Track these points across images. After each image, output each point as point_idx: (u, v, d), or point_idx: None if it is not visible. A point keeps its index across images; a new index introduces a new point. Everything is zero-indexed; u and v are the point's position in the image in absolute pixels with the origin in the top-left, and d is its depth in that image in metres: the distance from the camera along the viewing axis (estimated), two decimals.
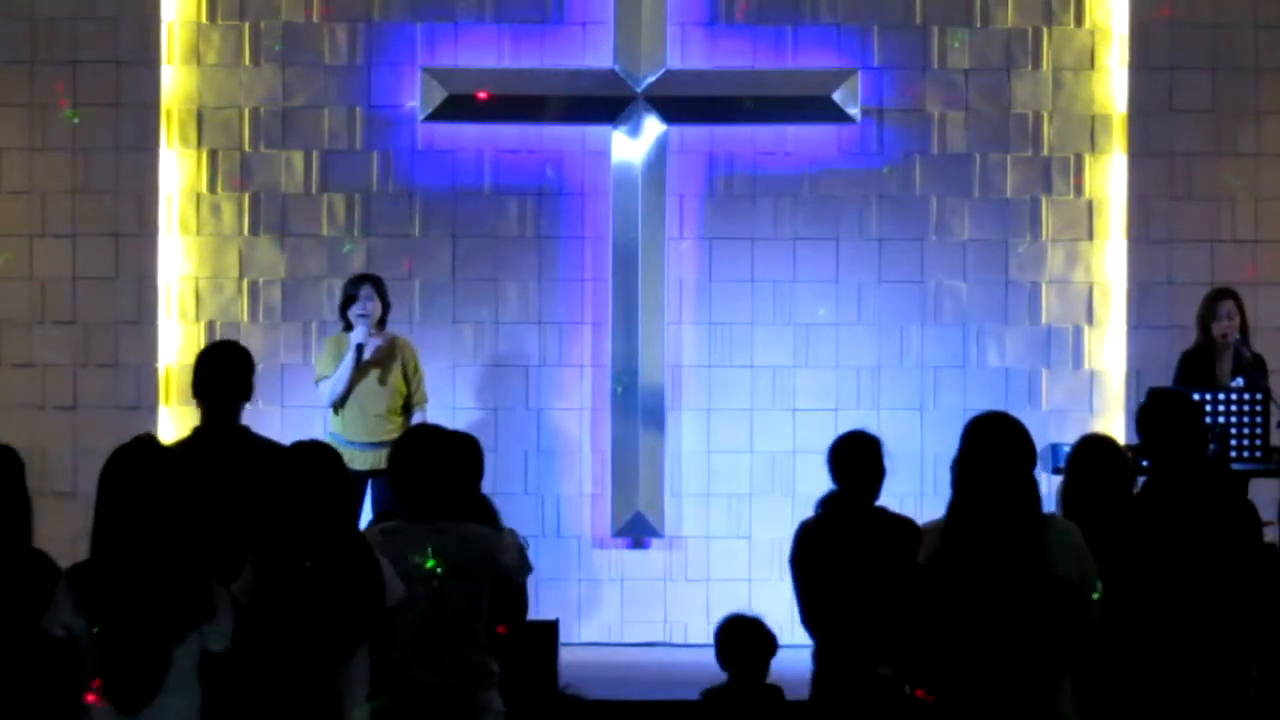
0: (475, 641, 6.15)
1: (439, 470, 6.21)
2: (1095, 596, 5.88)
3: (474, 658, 6.15)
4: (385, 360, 10.26)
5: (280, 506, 5.75)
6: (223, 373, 7.08)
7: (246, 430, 7.12)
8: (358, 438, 10.07)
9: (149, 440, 5.80)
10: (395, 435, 10.05)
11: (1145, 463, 6.51)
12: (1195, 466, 6.30)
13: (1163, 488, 6.30)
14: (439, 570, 6.04)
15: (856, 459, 7.31)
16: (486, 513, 6.88)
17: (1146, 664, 6.17)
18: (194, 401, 7.22)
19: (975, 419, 5.75)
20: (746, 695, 7.19)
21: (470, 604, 6.13)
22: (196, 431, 7.11)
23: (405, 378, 10.31)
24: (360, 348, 10.13)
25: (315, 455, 5.86)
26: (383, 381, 10.25)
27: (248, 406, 7.23)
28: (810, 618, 7.24)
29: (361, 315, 10.18)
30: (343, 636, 5.68)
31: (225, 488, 6.57)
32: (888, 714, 6.84)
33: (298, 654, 5.66)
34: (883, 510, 7.33)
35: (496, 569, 6.20)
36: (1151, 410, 6.48)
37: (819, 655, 7.24)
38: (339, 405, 10.18)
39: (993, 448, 5.63)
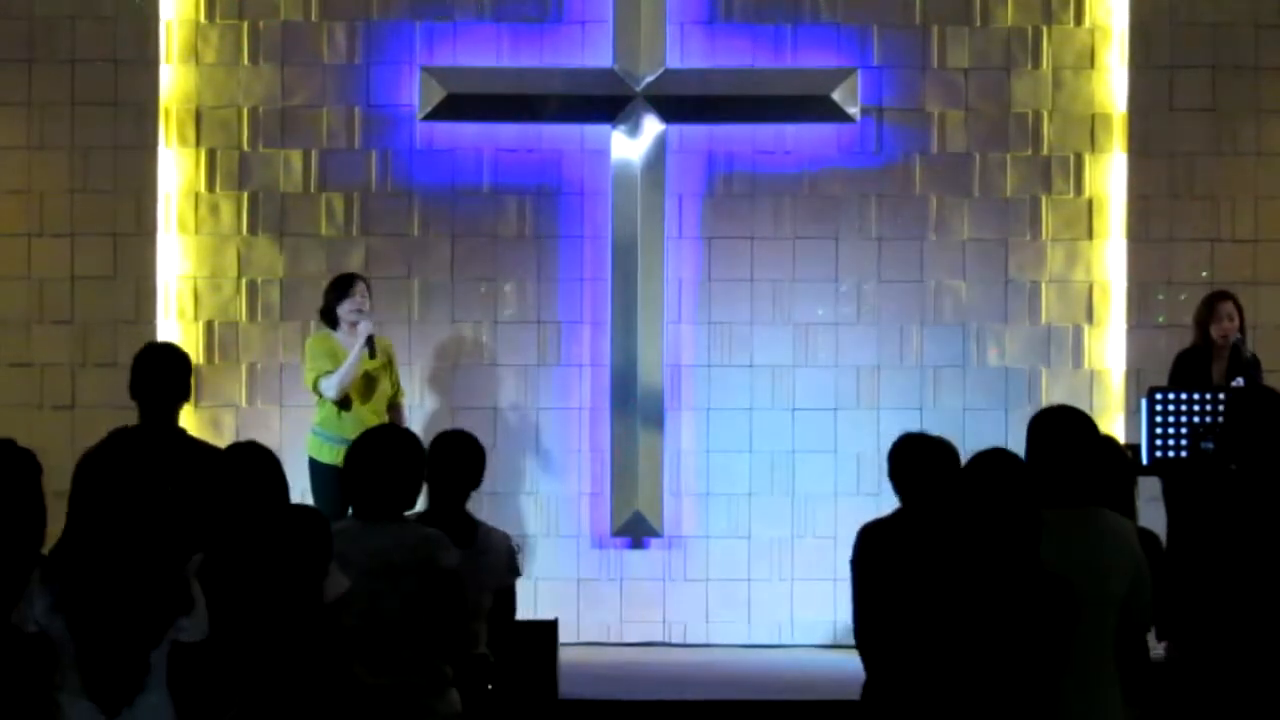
0: (415, 642, 6.12)
1: (385, 470, 6.21)
2: (1146, 597, 5.88)
3: (412, 657, 6.11)
4: (381, 358, 10.32)
5: (218, 507, 5.83)
6: (159, 374, 7.06)
7: (183, 432, 7.11)
8: (350, 435, 9.99)
9: (123, 435, 5.82)
10: None
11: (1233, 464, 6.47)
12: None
13: (1252, 486, 6.28)
14: None
15: (921, 463, 7.07)
16: (465, 525, 6.82)
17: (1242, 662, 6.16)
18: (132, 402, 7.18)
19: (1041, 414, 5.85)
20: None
21: (404, 604, 6.10)
22: (133, 429, 7.07)
23: (390, 375, 10.37)
24: (371, 338, 10.15)
25: (251, 456, 5.95)
26: (378, 380, 10.29)
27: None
28: (866, 623, 6.95)
29: (360, 310, 10.23)
30: (280, 628, 5.71)
31: (161, 488, 6.57)
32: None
33: (238, 644, 5.69)
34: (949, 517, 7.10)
35: (434, 569, 6.15)
36: (1239, 408, 6.44)
37: (872, 661, 6.99)
38: (341, 402, 10.18)
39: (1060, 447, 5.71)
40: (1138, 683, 6.01)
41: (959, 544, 5.50)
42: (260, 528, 5.83)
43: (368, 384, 10.26)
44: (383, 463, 6.20)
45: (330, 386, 10.18)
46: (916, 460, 6.83)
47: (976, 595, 5.42)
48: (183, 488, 6.04)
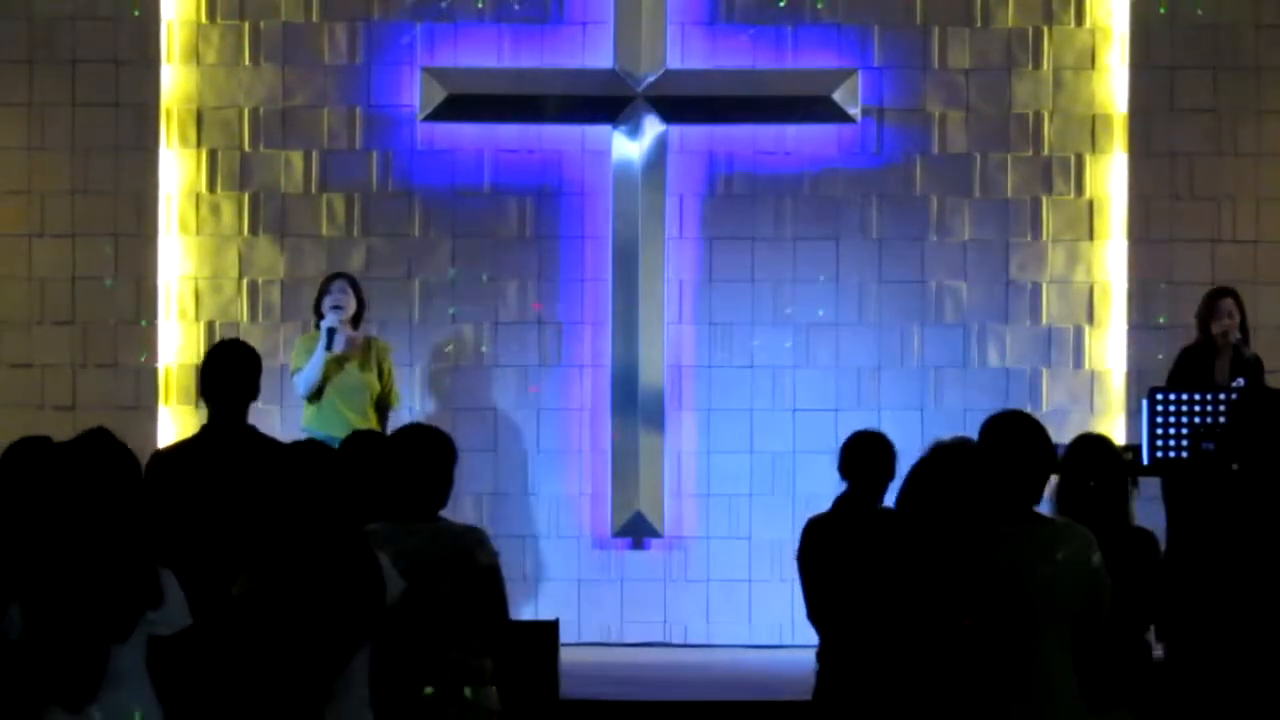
0: (456, 640, 6.11)
1: (417, 470, 6.18)
2: (1104, 592, 5.87)
3: (455, 656, 6.10)
4: (359, 357, 10.28)
5: (280, 507, 5.74)
6: (229, 372, 7.06)
7: (254, 430, 7.09)
8: (331, 432, 9.97)
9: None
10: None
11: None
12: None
13: (1253, 486, 6.27)
14: None
15: (867, 458, 7.32)
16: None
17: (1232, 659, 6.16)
18: (201, 401, 7.19)
19: (991, 419, 5.83)
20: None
21: (444, 603, 6.08)
22: (203, 430, 7.11)
23: (379, 376, 10.34)
24: (331, 331, 10.13)
25: (314, 455, 5.85)
26: (356, 378, 10.25)
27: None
28: (815, 614, 7.25)
29: (334, 307, 10.22)
30: (344, 634, 5.67)
31: (230, 487, 6.57)
32: (890, 714, 6.83)
33: (298, 653, 5.64)
34: (890, 511, 7.31)
35: (472, 566, 6.14)
36: (1245, 408, 6.43)
37: (822, 654, 7.23)
38: (313, 397, 10.20)
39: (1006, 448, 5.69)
40: (1125, 685, 6.00)
41: (918, 539, 5.54)
42: (327, 538, 5.74)
43: (344, 381, 10.22)
44: (415, 463, 6.17)
45: (298, 382, 10.25)
46: (865, 455, 7.31)
47: (934, 589, 5.46)
48: (253, 487, 5.98)
